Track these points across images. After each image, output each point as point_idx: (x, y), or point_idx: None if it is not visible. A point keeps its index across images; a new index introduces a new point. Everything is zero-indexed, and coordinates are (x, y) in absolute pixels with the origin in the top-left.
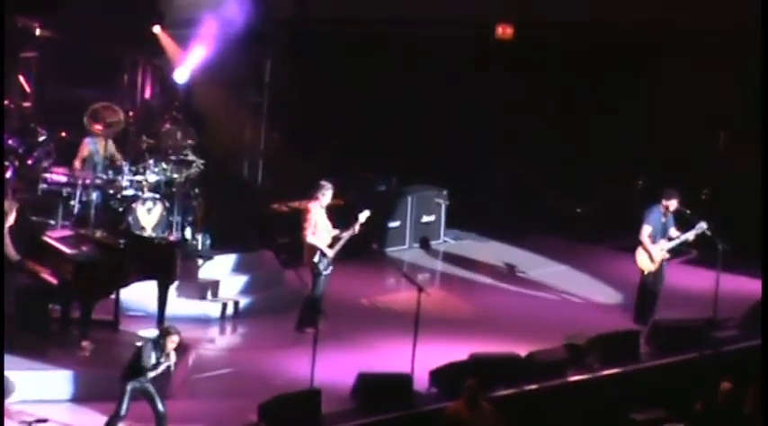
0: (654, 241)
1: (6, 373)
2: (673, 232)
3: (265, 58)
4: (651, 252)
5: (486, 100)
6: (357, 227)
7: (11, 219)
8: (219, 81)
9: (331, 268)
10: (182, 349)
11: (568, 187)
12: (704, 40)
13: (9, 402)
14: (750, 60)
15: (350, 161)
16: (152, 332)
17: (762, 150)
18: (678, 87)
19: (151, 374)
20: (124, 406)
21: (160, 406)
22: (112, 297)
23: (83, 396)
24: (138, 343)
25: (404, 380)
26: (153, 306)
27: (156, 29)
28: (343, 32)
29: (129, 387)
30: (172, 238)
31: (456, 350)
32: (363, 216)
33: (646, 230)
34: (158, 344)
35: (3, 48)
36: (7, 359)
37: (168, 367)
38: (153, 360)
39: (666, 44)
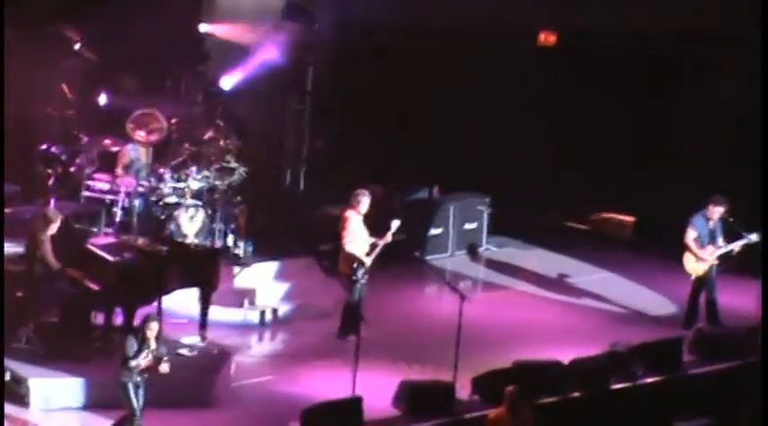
0: (701, 246)
1: (48, 380)
2: (720, 241)
3: (307, 65)
4: (698, 256)
5: (528, 106)
6: (389, 236)
7: (54, 228)
8: (262, 88)
9: (367, 276)
10: (224, 355)
11: (611, 193)
12: (752, 51)
13: (50, 408)
14: None
15: (392, 169)
16: (194, 339)
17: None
18: (722, 97)
19: (132, 363)
20: (134, 402)
21: (139, 399)
22: (155, 304)
23: None
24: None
25: (446, 387)
26: (195, 313)
27: (204, 27)
28: (385, 40)
29: (128, 385)
30: (214, 246)
31: (499, 357)
32: (395, 225)
33: (690, 234)
34: (139, 334)
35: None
36: (49, 365)
37: (150, 354)
38: (135, 349)
39: (710, 56)
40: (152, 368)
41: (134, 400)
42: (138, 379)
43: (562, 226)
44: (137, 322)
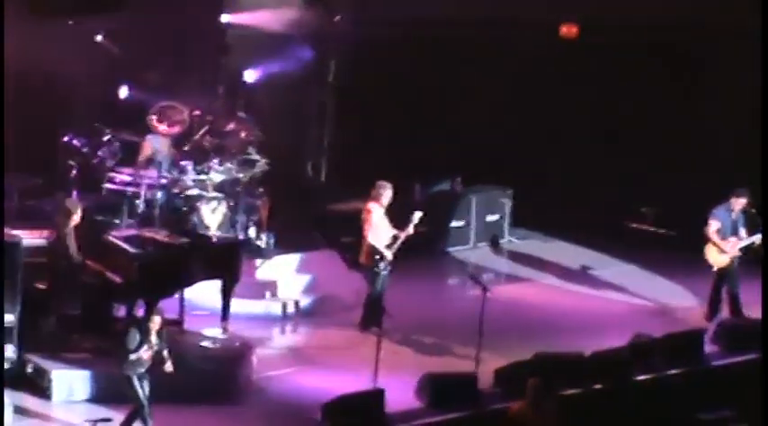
0: (723, 238)
1: (71, 372)
2: (743, 233)
3: (330, 58)
4: (720, 248)
5: (550, 99)
6: (411, 228)
7: (76, 219)
8: (284, 80)
9: (389, 268)
10: (246, 348)
11: (633, 186)
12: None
13: (72, 400)
14: None
15: (414, 161)
16: (216, 331)
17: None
18: (744, 90)
19: (133, 356)
20: (140, 394)
21: (144, 390)
22: (177, 296)
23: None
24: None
25: (468, 379)
26: (217, 306)
27: (226, 17)
28: (407, 33)
29: (133, 377)
30: (236, 238)
31: (521, 349)
32: (416, 216)
33: (713, 225)
34: (142, 326)
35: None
36: (71, 358)
37: (152, 349)
38: (137, 342)
39: (735, 47)
40: (153, 362)
41: (140, 391)
42: (142, 371)
43: (583, 217)
44: None
